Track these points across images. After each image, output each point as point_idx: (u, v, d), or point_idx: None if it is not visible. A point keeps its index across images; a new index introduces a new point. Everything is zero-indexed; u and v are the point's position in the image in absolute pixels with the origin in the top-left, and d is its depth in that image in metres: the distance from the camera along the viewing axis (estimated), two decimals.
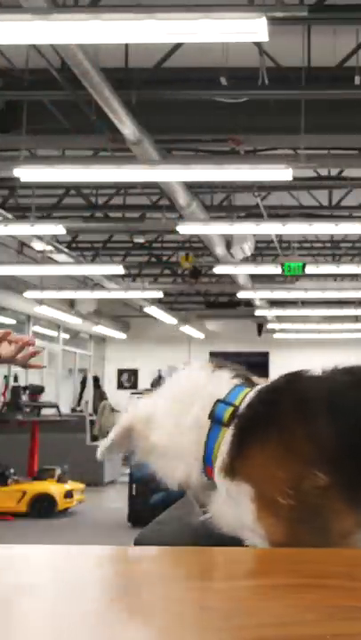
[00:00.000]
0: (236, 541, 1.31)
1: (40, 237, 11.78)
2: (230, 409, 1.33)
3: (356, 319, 18.49)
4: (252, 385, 1.41)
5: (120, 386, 20.90)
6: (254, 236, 11.93)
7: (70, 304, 16.73)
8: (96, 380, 19.33)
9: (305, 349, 20.16)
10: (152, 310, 16.83)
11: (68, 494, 9.00)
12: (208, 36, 4.95)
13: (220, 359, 1.47)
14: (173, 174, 8.20)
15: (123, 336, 20.40)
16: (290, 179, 7.93)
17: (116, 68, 7.28)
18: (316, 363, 1.38)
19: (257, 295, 15.91)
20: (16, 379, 13.15)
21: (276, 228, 10.32)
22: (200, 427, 1.36)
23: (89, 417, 13.73)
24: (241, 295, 15.73)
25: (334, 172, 10.50)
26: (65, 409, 15.93)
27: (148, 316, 18.20)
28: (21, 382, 13.06)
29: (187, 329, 19.08)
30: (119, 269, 12.80)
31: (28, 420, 9.46)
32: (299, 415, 1.28)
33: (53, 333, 18.10)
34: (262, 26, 4.77)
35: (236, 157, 8.75)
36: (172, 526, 1.37)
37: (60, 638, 0.75)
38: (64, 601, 0.87)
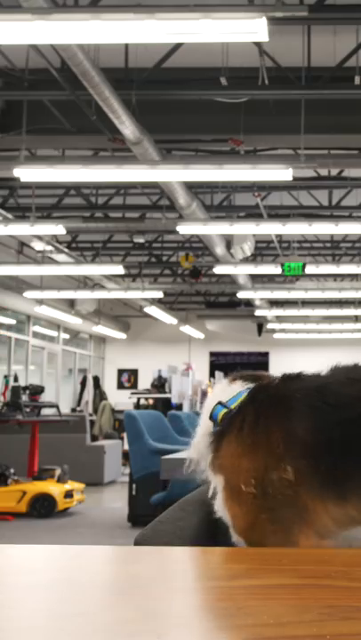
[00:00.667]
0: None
1: (40, 237, 11.78)
2: (224, 410, 1.38)
3: (356, 319, 18.49)
4: None
5: (120, 386, 20.90)
6: (254, 235, 11.93)
7: (70, 304, 16.74)
8: (96, 380, 19.32)
9: (305, 349, 20.18)
10: (152, 310, 16.82)
11: (68, 494, 8.99)
12: (208, 36, 4.96)
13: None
14: (173, 174, 8.20)
15: (123, 336, 20.40)
16: (290, 179, 7.93)
17: (116, 68, 7.29)
18: (317, 363, 1.41)
19: (257, 295, 15.90)
20: (16, 379, 13.13)
21: (276, 228, 10.32)
22: (205, 428, 1.42)
23: (89, 417, 13.72)
24: (241, 295, 15.74)
25: (334, 172, 10.50)
26: (65, 409, 15.94)
27: (148, 316, 18.21)
28: (21, 382, 13.05)
29: (187, 329, 19.07)
30: (119, 269, 12.79)
31: (28, 420, 9.45)
32: (276, 411, 1.32)
33: (53, 333, 18.11)
34: (262, 26, 4.78)
35: (236, 157, 8.75)
36: (173, 526, 1.38)
37: (59, 638, 0.75)
38: (64, 601, 0.87)
